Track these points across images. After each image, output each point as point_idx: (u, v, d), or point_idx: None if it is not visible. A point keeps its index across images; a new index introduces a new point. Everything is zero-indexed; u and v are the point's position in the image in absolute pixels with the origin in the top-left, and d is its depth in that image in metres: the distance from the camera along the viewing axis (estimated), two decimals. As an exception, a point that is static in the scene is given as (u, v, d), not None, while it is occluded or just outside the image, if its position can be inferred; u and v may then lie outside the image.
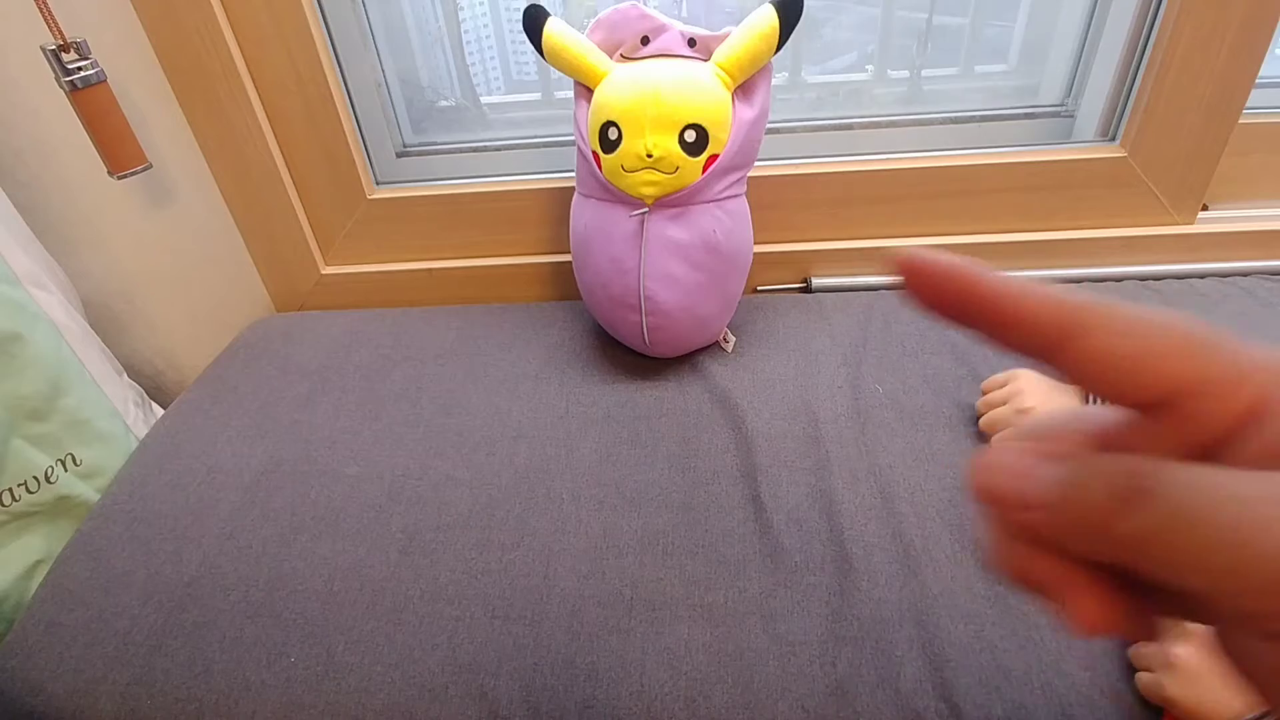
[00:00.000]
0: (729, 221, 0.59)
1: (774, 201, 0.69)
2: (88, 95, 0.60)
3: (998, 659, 0.41)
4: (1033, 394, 0.51)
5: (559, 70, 0.59)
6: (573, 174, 0.64)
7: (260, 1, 0.62)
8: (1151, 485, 0.12)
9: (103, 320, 0.78)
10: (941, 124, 0.70)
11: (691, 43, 0.57)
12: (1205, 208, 0.70)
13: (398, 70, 0.73)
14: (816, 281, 0.72)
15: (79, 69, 0.60)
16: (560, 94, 0.75)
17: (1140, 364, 0.13)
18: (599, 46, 0.58)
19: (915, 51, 0.71)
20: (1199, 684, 0.35)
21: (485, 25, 0.76)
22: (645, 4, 0.59)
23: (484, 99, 0.77)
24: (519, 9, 0.58)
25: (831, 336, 0.65)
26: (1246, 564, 0.11)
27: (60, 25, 0.58)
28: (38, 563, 0.60)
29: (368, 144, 0.73)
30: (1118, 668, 0.40)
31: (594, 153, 0.58)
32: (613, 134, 0.56)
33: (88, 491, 0.62)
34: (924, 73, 0.72)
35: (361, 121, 0.72)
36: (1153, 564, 0.12)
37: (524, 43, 0.59)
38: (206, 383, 0.67)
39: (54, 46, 0.59)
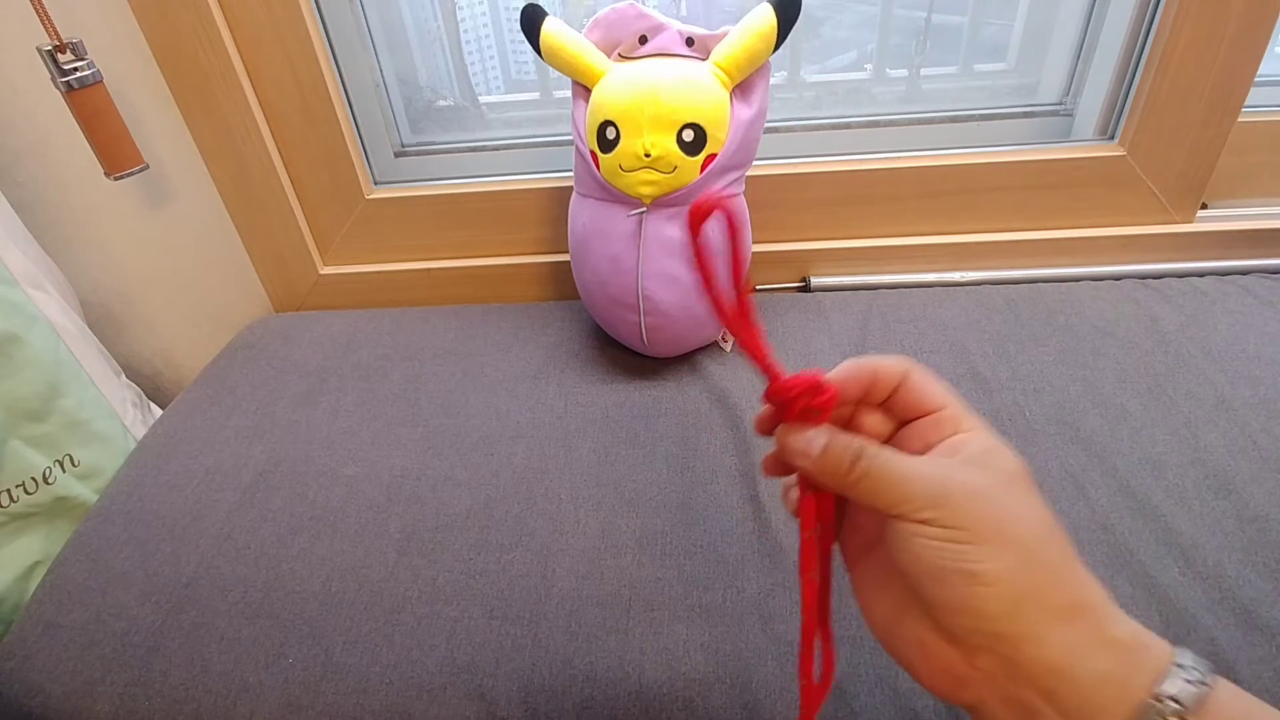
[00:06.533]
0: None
1: (773, 201, 0.69)
2: (84, 96, 0.60)
3: (997, 659, 0.41)
4: None
5: (557, 70, 0.59)
6: (571, 174, 0.64)
7: (257, 1, 0.62)
8: (867, 455, 0.26)
9: (101, 321, 0.78)
10: (940, 123, 0.70)
11: (690, 42, 0.57)
12: (1204, 206, 0.70)
13: (396, 70, 0.73)
14: (815, 281, 0.72)
15: (75, 69, 0.59)
16: (559, 94, 0.75)
17: (883, 379, 0.28)
18: (597, 46, 0.58)
19: (914, 50, 0.71)
20: None
21: (484, 25, 0.75)
22: (643, 3, 0.59)
23: (482, 99, 0.77)
24: (517, 8, 0.58)
25: (831, 336, 0.64)
26: (903, 493, 0.24)
27: (56, 25, 0.58)
28: (36, 564, 0.60)
29: (366, 144, 0.73)
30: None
31: (592, 152, 0.58)
32: (610, 133, 0.56)
33: (86, 492, 0.62)
34: (923, 71, 0.72)
35: (359, 121, 0.72)
36: (859, 493, 0.26)
37: (522, 42, 0.59)
38: (205, 383, 0.67)
39: (50, 47, 0.58)
